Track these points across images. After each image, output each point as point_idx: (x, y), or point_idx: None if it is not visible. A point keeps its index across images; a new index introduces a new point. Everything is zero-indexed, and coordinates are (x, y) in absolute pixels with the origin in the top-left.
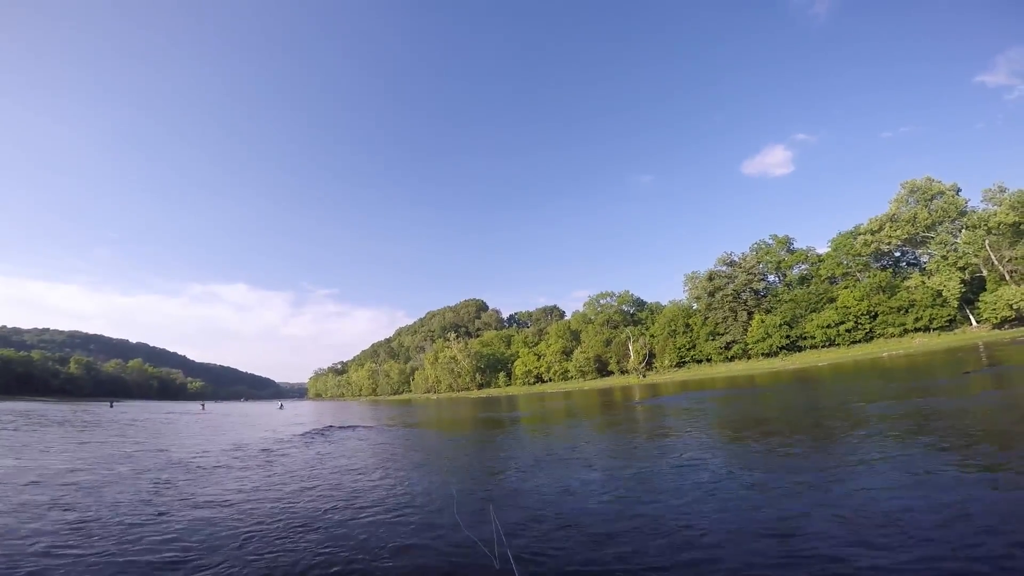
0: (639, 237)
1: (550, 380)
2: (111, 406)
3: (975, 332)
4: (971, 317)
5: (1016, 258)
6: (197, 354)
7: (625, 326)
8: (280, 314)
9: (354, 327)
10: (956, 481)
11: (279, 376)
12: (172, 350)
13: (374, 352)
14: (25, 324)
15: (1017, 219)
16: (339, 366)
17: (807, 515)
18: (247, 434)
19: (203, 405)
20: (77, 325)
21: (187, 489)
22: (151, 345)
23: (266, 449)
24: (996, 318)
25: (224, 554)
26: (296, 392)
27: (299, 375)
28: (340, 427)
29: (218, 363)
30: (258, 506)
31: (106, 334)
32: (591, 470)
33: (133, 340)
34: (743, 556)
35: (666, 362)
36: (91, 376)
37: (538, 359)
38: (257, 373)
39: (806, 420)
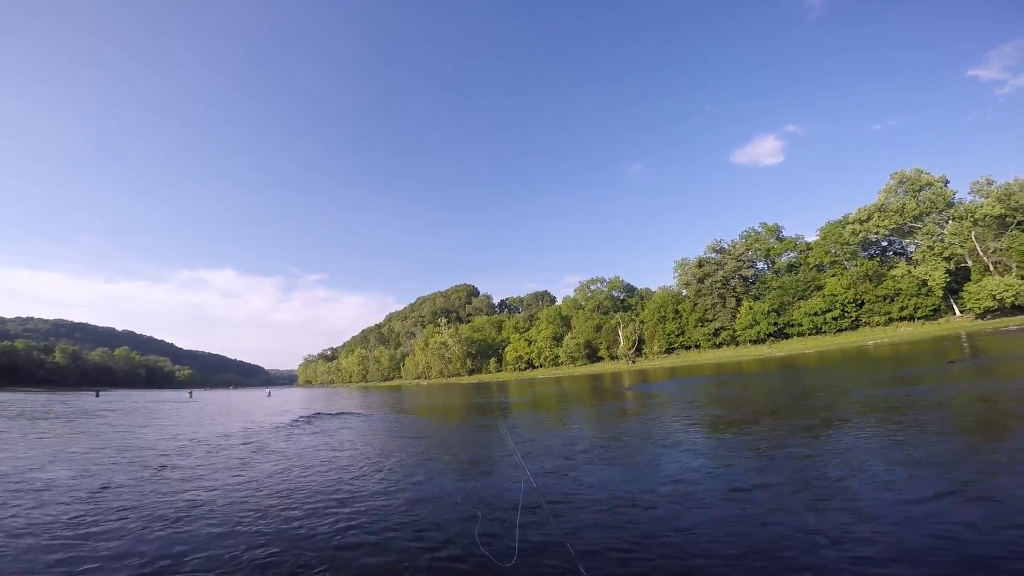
0: (629, 224)
1: (541, 366)
2: (97, 395)
3: (958, 321)
4: (955, 307)
5: (1001, 249)
6: (185, 342)
7: (615, 312)
8: (269, 300)
9: (344, 313)
10: (952, 473)
11: (268, 363)
12: (159, 338)
13: (364, 338)
14: (8, 313)
15: (1003, 211)
16: (329, 352)
17: (795, 517)
18: (230, 424)
19: (191, 393)
20: (61, 313)
21: (131, 499)
22: (138, 333)
23: (247, 442)
24: (979, 308)
25: None
26: (286, 379)
27: (289, 362)
28: (329, 415)
29: (206, 350)
30: (219, 525)
31: (91, 322)
32: (591, 466)
33: (119, 328)
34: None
35: (655, 348)
36: (77, 365)
37: (529, 345)
38: (246, 360)
39: (793, 409)
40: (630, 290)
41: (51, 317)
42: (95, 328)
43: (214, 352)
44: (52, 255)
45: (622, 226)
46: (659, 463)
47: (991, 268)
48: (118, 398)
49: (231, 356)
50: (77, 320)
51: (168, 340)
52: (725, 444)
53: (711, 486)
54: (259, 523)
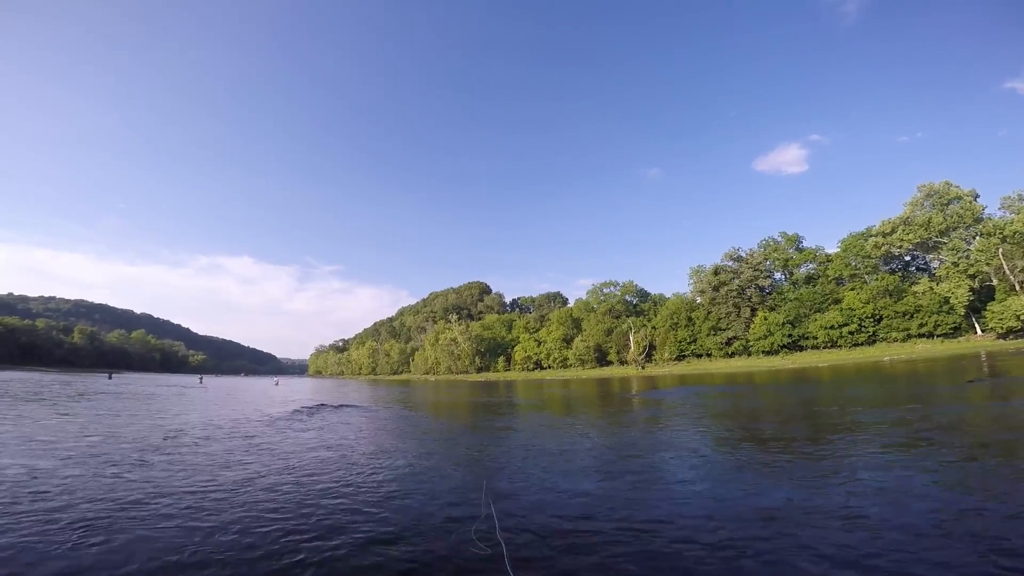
0: (645, 228)
1: (549, 367)
2: (110, 378)
3: (979, 340)
4: (976, 325)
5: None
6: (200, 327)
7: (627, 316)
8: (284, 289)
9: (357, 304)
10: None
11: (281, 352)
12: (176, 322)
13: (375, 330)
14: (31, 292)
15: None
16: (340, 344)
17: (792, 536)
18: (228, 413)
19: (201, 379)
20: (82, 294)
21: (47, 504)
22: (155, 316)
23: (237, 435)
24: (1002, 328)
25: None
26: (297, 368)
27: (301, 351)
28: (332, 407)
29: (220, 336)
30: (132, 557)
31: (111, 304)
32: (641, 490)
33: (138, 311)
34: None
35: (666, 355)
36: (94, 347)
37: (538, 345)
38: (259, 348)
39: (802, 426)
40: (643, 295)
41: (72, 297)
42: (114, 310)
43: (228, 338)
44: (75, 236)
45: (638, 230)
46: (732, 489)
47: (1017, 287)
48: (129, 381)
49: (244, 343)
50: (97, 301)
51: (184, 324)
52: (799, 466)
53: (818, 520)
54: (202, 548)
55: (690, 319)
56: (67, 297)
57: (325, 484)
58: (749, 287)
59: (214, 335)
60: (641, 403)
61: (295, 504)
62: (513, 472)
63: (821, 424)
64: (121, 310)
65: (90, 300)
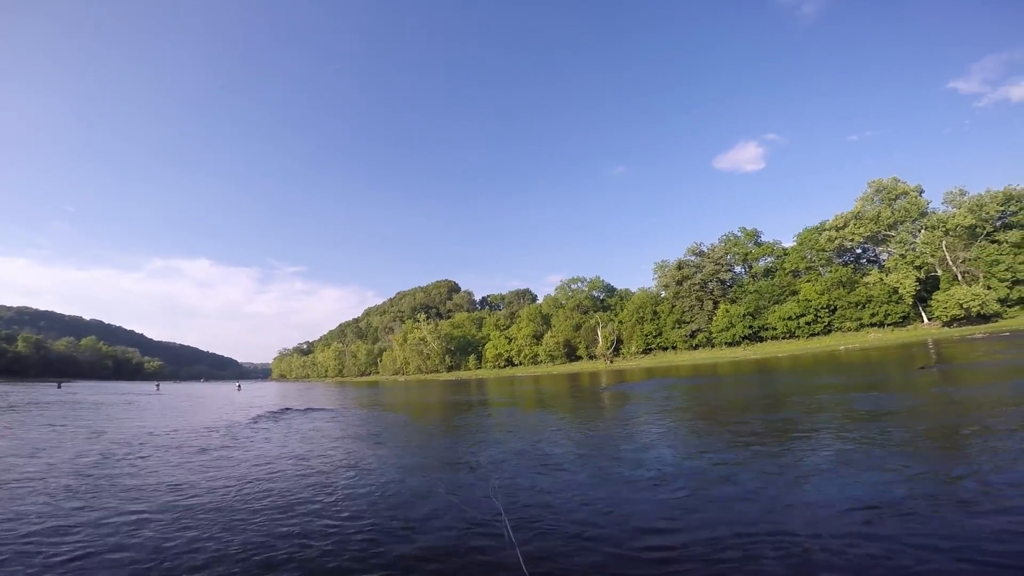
0: (611, 225)
1: (520, 364)
2: (59, 387)
3: (926, 329)
4: (923, 314)
5: (969, 259)
6: (156, 332)
7: (595, 312)
8: (245, 291)
9: (322, 306)
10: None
11: (242, 356)
12: (129, 328)
13: (341, 332)
14: None
15: (973, 222)
16: (305, 346)
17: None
18: (184, 421)
19: (158, 386)
20: (27, 301)
21: None
22: (106, 323)
23: (189, 445)
24: (946, 316)
25: None
26: (260, 373)
27: (263, 355)
28: (298, 411)
29: (178, 342)
30: None
31: (58, 310)
32: (626, 490)
33: (87, 317)
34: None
35: (633, 348)
36: (40, 355)
37: (509, 342)
38: (219, 353)
39: (766, 413)
40: (610, 290)
41: (15, 304)
42: (61, 316)
43: (186, 344)
44: (19, 241)
45: (604, 227)
46: (798, 491)
47: (959, 278)
48: (79, 390)
49: (203, 348)
50: (42, 308)
51: (138, 331)
52: (844, 457)
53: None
54: None
55: (655, 313)
56: (9, 304)
57: (296, 511)
58: (711, 281)
59: (171, 340)
60: (617, 397)
61: (258, 538)
62: (524, 489)
63: (824, 413)
64: (69, 317)
65: (34, 307)
